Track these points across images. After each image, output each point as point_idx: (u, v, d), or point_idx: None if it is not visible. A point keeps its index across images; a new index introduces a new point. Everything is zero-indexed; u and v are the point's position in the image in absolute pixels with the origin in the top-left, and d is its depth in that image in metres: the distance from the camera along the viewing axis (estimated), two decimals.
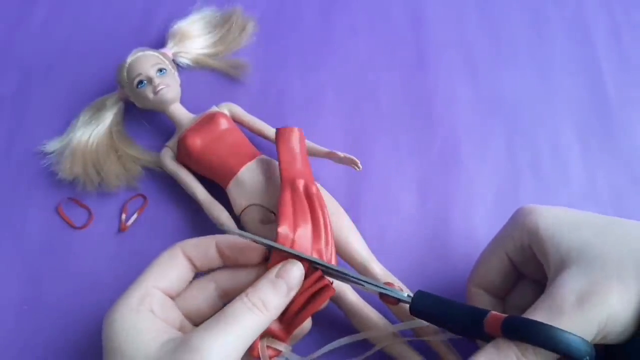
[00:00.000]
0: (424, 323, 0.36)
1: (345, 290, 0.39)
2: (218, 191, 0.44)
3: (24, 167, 0.47)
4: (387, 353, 0.38)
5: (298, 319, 0.33)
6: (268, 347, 0.33)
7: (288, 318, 0.33)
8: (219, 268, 0.34)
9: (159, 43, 0.52)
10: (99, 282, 0.42)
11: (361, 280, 0.33)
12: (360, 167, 0.42)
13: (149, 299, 0.31)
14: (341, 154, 0.43)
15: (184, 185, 0.44)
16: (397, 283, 0.39)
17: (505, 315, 0.30)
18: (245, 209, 0.42)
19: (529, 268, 0.35)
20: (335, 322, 0.41)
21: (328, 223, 0.38)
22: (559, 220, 0.32)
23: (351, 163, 0.42)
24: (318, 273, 0.32)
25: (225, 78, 0.52)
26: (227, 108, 0.47)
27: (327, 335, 0.40)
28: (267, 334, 0.33)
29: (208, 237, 0.34)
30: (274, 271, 0.31)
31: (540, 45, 0.54)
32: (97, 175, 0.45)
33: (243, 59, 0.52)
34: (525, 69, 0.52)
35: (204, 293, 0.33)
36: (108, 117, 0.48)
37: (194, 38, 0.52)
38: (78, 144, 0.46)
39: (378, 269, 0.40)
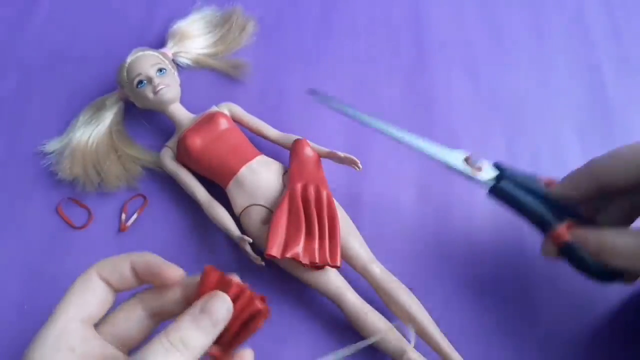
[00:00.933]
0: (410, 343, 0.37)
1: (345, 291, 0.39)
2: (218, 191, 0.44)
3: (24, 167, 0.47)
4: (389, 354, 0.38)
5: (234, 343, 0.30)
6: None
7: (224, 342, 0.29)
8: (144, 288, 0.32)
9: (159, 43, 0.52)
10: None
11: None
12: (361, 167, 0.42)
13: (66, 336, 0.28)
14: (341, 154, 0.43)
15: (184, 185, 0.44)
16: (396, 283, 0.39)
17: (565, 240, 0.34)
18: (245, 209, 0.42)
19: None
20: (335, 320, 0.41)
21: (325, 224, 0.39)
22: None
23: (351, 163, 0.42)
24: (247, 295, 0.29)
25: (225, 78, 0.52)
26: (227, 108, 0.47)
27: (327, 335, 0.40)
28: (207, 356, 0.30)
29: (123, 256, 0.31)
30: (197, 306, 0.28)
31: (540, 45, 0.54)
32: (97, 176, 0.45)
33: (243, 59, 0.52)
34: (525, 69, 0.52)
35: (132, 316, 0.31)
36: (108, 117, 0.48)
37: (194, 38, 0.52)
38: (78, 144, 0.46)
39: (378, 270, 0.40)
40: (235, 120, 0.46)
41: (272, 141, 0.46)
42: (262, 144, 0.46)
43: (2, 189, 0.47)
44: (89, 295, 0.30)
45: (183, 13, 0.53)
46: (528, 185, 0.37)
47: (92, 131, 0.47)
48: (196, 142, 0.43)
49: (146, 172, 0.47)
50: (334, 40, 0.54)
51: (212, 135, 0.43)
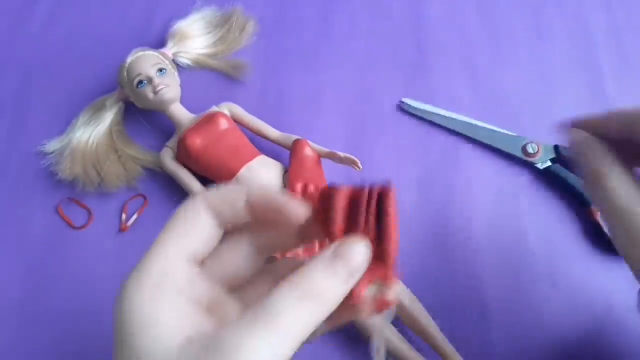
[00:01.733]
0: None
1: None
2: None
3: (24, 167, 0.47)
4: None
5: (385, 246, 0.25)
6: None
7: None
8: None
9: (159, 43, 0.52)
10: (99, 282, 0.42)
11: None
12: (360, 167, 0.42)
13: (171, 277, 0.24)
14: (341, 154, 0.43)
15: (184, 185, 0.44)
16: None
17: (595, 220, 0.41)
18: None
19: None
20: None
21: None
22: None
23: (351, 163, 0.42)
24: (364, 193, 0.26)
25: (225, 78, 0.52)
26: (227, 108, 0.47)
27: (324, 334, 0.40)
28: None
29: (237, 187, 0.26)
30: (330, 250, 0.24)
31: (540, 45, 0.54)
32: (97, 175, 0.45)
33: (243, 59, 0.52)
34: (525, 70, 0.52)
35: (238, 251, 0.27)
36: (108, 117, 0.48)
37: (194, 38, 0.52)
38: (78, 144, 0.46)
39: None
40: (236, 120, 0.46)
41: (272, 141, 0.46)
42: (262, 144, 0.46)
43: (2, 188, 0.47)
44: (197, 231, 0.25)
45: (183, 13, 0.53)
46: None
47: (92, 131, 0.47)
48: (196, 142, 0.43)
49: (146, 172, 0.47)
50: (333, 40, 0.54)
51: (212, 135, 0.43)
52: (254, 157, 0.44)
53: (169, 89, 0.45)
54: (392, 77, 0.52)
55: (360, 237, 0.24)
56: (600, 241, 0.44)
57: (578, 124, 0.33)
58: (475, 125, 0.48)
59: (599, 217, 0.44)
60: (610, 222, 0.30)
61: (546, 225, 0.45)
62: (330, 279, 0.23)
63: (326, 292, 0.23)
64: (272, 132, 0.46)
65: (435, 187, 0.47)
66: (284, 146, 0.45)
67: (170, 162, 0.45)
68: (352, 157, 0.43)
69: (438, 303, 0.41)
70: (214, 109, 0.46)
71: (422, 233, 0.45)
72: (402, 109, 0.50)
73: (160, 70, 0.46)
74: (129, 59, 0.46)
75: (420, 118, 0.49)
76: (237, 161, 0.43)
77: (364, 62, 0.53)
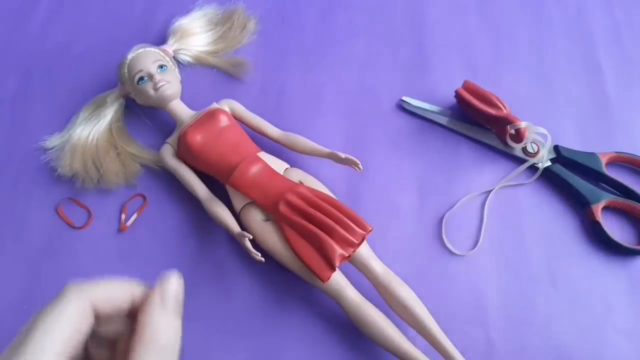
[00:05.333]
0: None
1: (345, 288, 0.39)
2: (218, 187, 0.44)
3: (24, 166, 0.47)
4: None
5: None
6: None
7: None
8: None
9: (160, 40, 0.51)
10: None
11: None
12: (361, 168, 0.42)
13: None
14: (342, 155, 0.43)
15: (184, 182, 0.44)
16: (396, 279, 0.39)
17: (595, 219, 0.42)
18: (245, 205, 0.42)
19: None
20: (335, 318, 0.41)
21: (331, 210, 0.39)
22: None
23: (352, 164, 0.42)
24: None
25: (226, 76, 0.51)
26: (227, 105, 0.47)
27: (326, 332, 0.40)
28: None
29: (122, 287, 0.24)
30: (156, 294, 0.24)
31: (540, 45, 0.54)
32: (96, 172, 0.45)
33: (243, 57, 0.52)
34: (525, 69, 0.52)
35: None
36: (108, 114, 0.47)
37: (195, 35, 0.51)
38: (78, 140, 0.46)
39: (378, 266, 0.40)
40: (236, 117, 0.46)
41: (273, 140, 0.46)
42: (262, 142, 0.46)
43: (2, 185, 0.46)
44: (68, 326, 0.22)
45: (184, 10, 0.53)
46: (585, 164, 0.46)
47: (92, 128, 0.47)
48: (196, 138, 0.43)
49: (146, 172, 0.47)
50: (334, 39, 0.54)
51: (212, 132, 0.43)
52: (255, 153, 0.43)
53: (169, 86, 0.45)
54: (392, 75, 0.52)
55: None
56: (601, 241, 0.44)
57: None
58: (475, 124, 0.48)
59: (599, 216, 0.44)
60: None
61: (546, 224, 0.45)
62: (166, 316, 0.23)
63: (164, 333, 0.23)
64: (273, 130, 0.46)
65: (435, 185, 0.46)
66: (284, 145, 0.45)
67: (171, 159, 0.45)
68: (353, 158, 0.42)
69: (437, 303, 0.41)
70: (215, 105, 0.46)
71: (421, 231, 0.45)
72: (402, 107, 0.50)
73: (161, 67, 0.46)
74: (129, 55, 0.46)
75: (421, 117, 0.49)
76: (237, 158, 0.43)
77: (364, 61, 0.52)
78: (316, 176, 0.44)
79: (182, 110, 0.46)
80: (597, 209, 0.44)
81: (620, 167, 0.48)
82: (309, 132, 0.46)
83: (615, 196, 0.45)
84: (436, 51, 0.53)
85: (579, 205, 0.46)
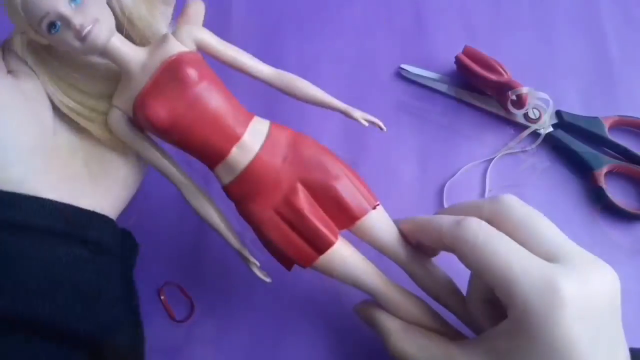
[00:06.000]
0: None
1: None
2: None
3: None
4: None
5: None
6: None
7: None
8: None
9: None
10: None
11: None
12: (385, 128, 0.35)
13: None
14: (358, 114, 0.35)
15: (150, 162, 0.33)
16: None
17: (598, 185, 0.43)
18: (233, 181, 0.32)
19: None
20: (336, 312, 0.41)
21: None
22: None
23: (374, 124, 0.35)
24: None
25: None
26: (190, 37, 0.31)
27: (326, 326, 0.40)
28: None
29: None
30: None
31: (542, 8, 0.52)
32: None
33: None
34: (527, 33, 0.51)
35: None
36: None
37: None
38: None
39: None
40: (205, 52, 0.32)
41: (262, 81, 0.34)
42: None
43: None
44: None
45: None
46: (588, 129, 0.45)
47: None
48: (160, 114, 0.29)
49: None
50: (330, 7, 0.52)
51: (181, 102, 0.29)
52: (246, 125, 0.31)
53: (99, 27, 0.28)
54: (390, 43, 0.50)
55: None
56: (604, 206, 0.44)
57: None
58: (476, 91, 0.47)
59: (602, 181, 0.43)
60: None
61: (549, 191, 0.45)
62: None
63: None
64: (260, 69, 0.33)
65: (435, 154, 0.46)
66: (277, 88, 0.34)
67: (127, 131, 0.31)
68: (374, 118, 0.35)
69: None
70: (171, 43, 0.30)
71: (422, 200, 0.44)
72: (401, 75, 0.49)
73: None
74: None
75: (420, 84, 0.48)
76: (223, 139, 0.30)
77: (361, 28, 0.51)
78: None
79: (126, 51, 0.30)
80: (601, 174, 0.43)
81: (624, 132, 0.47)
82: (307, 114, 0.45)
83: (619, 161, 0.44)
84: (435, 16, 0.52)
85: (582, 170, 0.45)
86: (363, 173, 0.45)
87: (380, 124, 0.35)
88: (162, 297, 0.41)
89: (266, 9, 0.52)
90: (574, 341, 0.26)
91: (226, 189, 0.32)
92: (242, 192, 0.32)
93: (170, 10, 0.33)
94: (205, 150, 0.31)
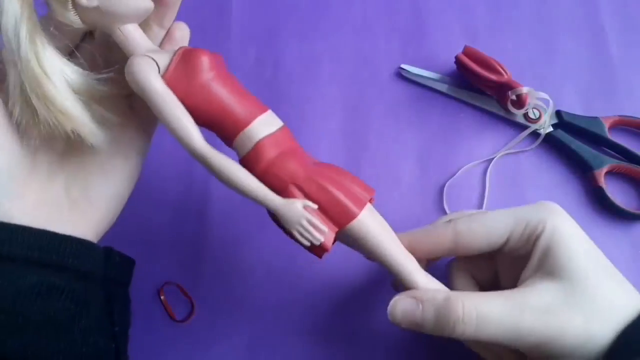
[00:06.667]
0: None
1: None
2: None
3: None
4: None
5: None
6: None
7: None
8: None
9: None
10: None
11: None
12: None
13: None
14: None
15: (171, 120, 0.28)
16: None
17: (598, 185, 0.43)
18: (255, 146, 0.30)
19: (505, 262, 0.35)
20: (337, 298, 0.41)
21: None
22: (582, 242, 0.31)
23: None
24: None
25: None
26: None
27: (328, 312, 0.40)
28: None
29: None
30: None
31: (542, 7, 0.52)
32: None
33: None
34: (526, 31, 0.51)
35: None
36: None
37: None
38: None
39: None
40: None
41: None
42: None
43: None
44: None
45: None
46: (588, 129, 0.45)
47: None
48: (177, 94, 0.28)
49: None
50: (330, 7, 0.52)
51: (202, 79, 0.29)
52: (264, 110, 0.30)
53: None
54: (391, 43, 0.50)
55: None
56: (604, 206, 0.44)
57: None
58: (476, 91, 0.47)
59: (602, 181, 0.43)
60: None
61: (549, 191, 0.45)
62: None
63: None
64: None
65: (435, 154, 0.46)
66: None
67: (156, 80, 0.28)
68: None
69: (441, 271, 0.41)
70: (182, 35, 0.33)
71: (422, 201, 0.44)
72: (401, 75, 0.49)
73: None
74: None
75: (420, 84, 0.48)
76: (246, 112, 0.29)
77: (362, 28, 0.51)
78: (315, 147, 0.43)
79: (140, 40, 0.29)
80: (600, 174, 0.43)
81: (624, 131, 0.47)
82: (307, 103, 0.45)
83: (619, 161, 0.44)
84: (435, 16, 0.51)
85: (582, 170, 0.45)
86: (363, 173, 0.45)
87: None
88: (162, 297, 0.41)
89: (266, 9, 0.52)
90: (592, 251, 0.31)
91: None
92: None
93: (162, 34, 0.33)
94: (225, 120, 0.29)
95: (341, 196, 0.30)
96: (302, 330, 0.40)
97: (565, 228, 0.31)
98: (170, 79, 0.28)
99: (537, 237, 0.31)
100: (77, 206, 0.31)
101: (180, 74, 0.28)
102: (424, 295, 0.30)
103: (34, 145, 0.29)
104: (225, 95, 0.29)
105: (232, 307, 0.41)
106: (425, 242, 0.34)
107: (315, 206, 0.29)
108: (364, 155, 0.46)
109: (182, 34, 0.33)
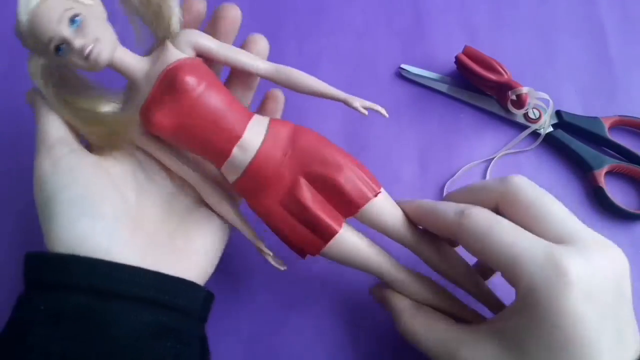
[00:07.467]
0: None
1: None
2: None
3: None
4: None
5: None
6: None
7: None
8: None
9: None
10: None
11: None
12: (386, 114, 0.36)
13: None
14: (357, 102, 0.35)
15: (168, 166, 0.35)
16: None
17: (597, 185, 0.43)
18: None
19: None
20: (341, 290, 0.41)
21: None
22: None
23: (375, 111, 0.36)
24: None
25: None
26: (187, 43, 0.32)
27: (333, 303, 0.40)
28: None
29: None
30: None
31: (541, 7, 0.52)
32: None
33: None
34: (526, 31, 0.51)
35: None
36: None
37: None
38: None
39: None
40: (204, 57, 0.34)
41: (264, 78, 0.35)
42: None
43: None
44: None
45: None
46: (588, 129, 0.45)
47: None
48: (163, 123, 0.31)
49: None
50: (329, 7, 0.52)
51: (182, 109, 0.31)
52: (245, 125, 0.32)
53: (101, 45, 0.30)
54: (391, 43, 0.50)
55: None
56: (604, 206, 0.44)
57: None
58: (476, 91, 0.47)
59: (602, 181, 0.43)
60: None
61: (549, 191, 0.44)
62: None
63: None
64: (258, 66, 0.34)
65: (435, 153, 0.46)
66: (276, 82, 0.35)
67: (145, 141, 0.33)
68: (374, 105, 0.35)
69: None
70: (170, 51, 0.32)
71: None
72: (401, 75, 0.49)
73: (73, 20, 0.29)
74: (23, 18, 0.29)
75: (420, 84, 0.48)
76: (223, 140, 0.32)
77: (361, 28, 0.51)
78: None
79: (130, 62, 0.32)
80: (600, 174, 0.43)
81: (624, 131, 0.47)
82: (308, 104, 0.45)
83: (619, 161, 0.44)
84: (435, 16, 0.52)
85: (582, 170, 0.45)
86: None
87: (381, 110, 0.35)
88: None
89: (266, 8, 0.52)
90: (579, 320, 0.26)
91: (233, 186, 0.33)
92: (248, 188, 0.33)
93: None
94: (209, 151, 0.32)
95: (321, 215, 0.33)
96: (302, 330, 0.40)
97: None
98: (152, 103, 0.31)
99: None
100: (181, 254, 0.32)
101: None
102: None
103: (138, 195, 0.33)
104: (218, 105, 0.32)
105: (231, 305, 0.41)
106: (430, 219, 0.34)
107: (271, 253, 0.35)
108: (364, 155, 0.46)
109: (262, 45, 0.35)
